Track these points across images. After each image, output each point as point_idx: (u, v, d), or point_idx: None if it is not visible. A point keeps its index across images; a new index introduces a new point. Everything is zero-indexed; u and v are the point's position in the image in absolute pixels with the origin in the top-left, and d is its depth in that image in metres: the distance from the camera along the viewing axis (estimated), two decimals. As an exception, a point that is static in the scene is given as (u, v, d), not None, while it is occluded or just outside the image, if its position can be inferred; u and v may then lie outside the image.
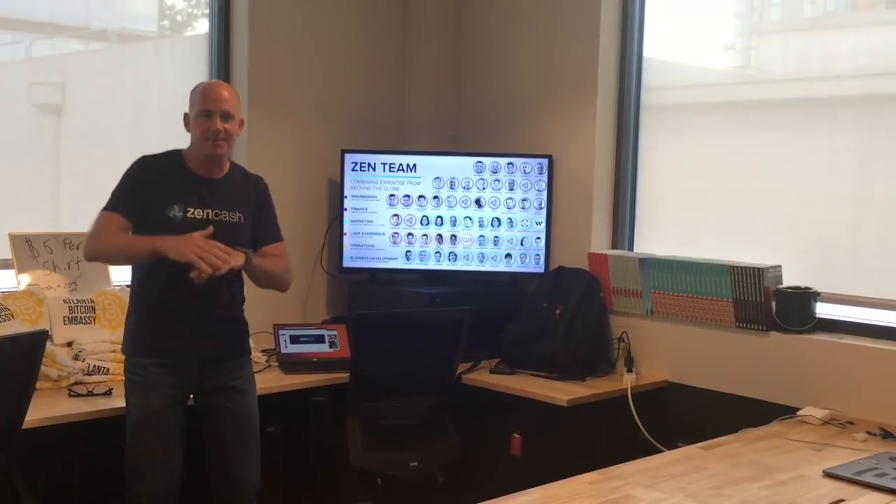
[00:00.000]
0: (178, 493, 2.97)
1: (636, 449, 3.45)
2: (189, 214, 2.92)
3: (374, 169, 4.23)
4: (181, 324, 2.94)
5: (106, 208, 2.93)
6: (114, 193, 2.95)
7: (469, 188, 4.23)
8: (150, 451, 2.92)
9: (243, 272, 3.00)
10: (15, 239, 3.53)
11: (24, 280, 3.52)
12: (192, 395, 3.03)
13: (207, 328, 2.96)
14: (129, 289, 3.13)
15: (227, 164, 3.06)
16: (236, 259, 2.86)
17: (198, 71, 4.07)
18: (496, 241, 4.24)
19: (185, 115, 3.00)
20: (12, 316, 3.33)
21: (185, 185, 2.95)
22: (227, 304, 3.02)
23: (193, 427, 3.04)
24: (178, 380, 2.95)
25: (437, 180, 4.23)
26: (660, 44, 4.09)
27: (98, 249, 2.93)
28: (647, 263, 3.85)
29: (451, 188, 4.23)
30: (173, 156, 3.01)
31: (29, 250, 3.55)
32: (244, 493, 3.04)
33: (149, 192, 2.92)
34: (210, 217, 2.94)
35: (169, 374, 2.94)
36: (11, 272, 3.52)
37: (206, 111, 2.91)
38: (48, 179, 3.76)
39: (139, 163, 2.98)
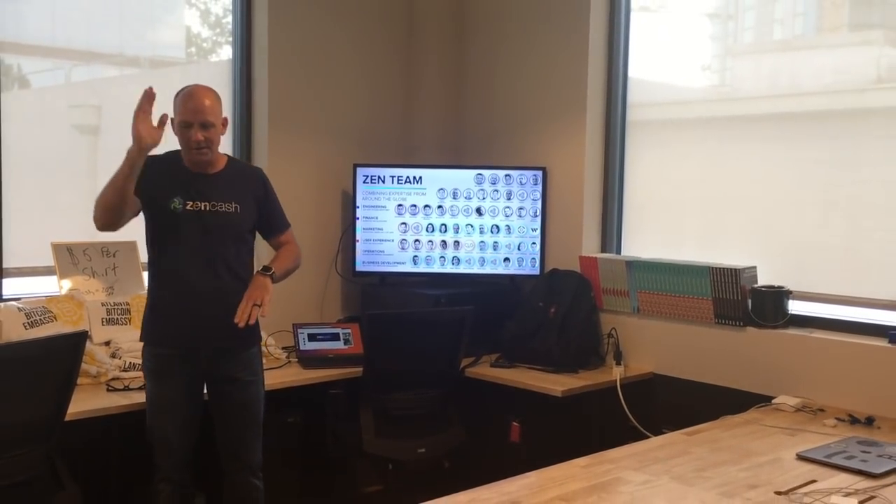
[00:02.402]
0: (193, 465, 3.01)
1: (625, 435, 3.43)
2: (189, 207, 2.93)
3: (383, 181, 4.23)
4: (192, 314, 2.92)
5: None
6: None
7: (470, 198, 4.23)
8: (165, 435, 2.94)
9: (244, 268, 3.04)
10: (57, 248, 3.54)
11: (66, 285, 3.52)
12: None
13: (217, 318, 2.91)
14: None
15: (223, 160, 3.05)
16: (268, 293, 2.91)
17: (222, 93, 4.02)
18: (495, 246, 4.24)
19: (171, 120, 2.93)
20: (55, 318, 3.33)
21: (182, 181, 2.96)
22: (237, 292, 2.97)
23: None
24: (190, 368, 2.94)
25: (441, 191, 4.23)
26: (643, 65, 4.09)
27: (96, 206, 2.85)
28: (634, 265, 3.85)
29: (454, 198, 4.23)
30: (173, 155, 3.01)
31: (70, 258, 3.55)
32: (250, 471, 3.06)
33: (156, 186, 2.93)
34: (206, 208, 2.94)
35: (180, 363, 2.93)
36: (54, 278, 3.53)
37: (186, 122, 2.89)
38: (86, 193, 3.74)
39: (148, 161, 2.93)
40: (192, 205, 2.93)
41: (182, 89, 2.97)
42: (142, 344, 3.42)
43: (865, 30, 3.61)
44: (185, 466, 2.99)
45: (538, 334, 3.86)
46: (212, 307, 2.91)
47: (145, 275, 3.65)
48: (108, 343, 3.44)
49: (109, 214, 2.84)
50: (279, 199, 4.20)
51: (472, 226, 4.23)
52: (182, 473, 2.98)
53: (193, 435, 3.00)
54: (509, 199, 4.21)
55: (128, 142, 3.81)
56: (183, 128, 2.90)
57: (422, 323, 3.61)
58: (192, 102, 2.90)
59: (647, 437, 3.27)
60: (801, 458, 2.62)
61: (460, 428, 3.63)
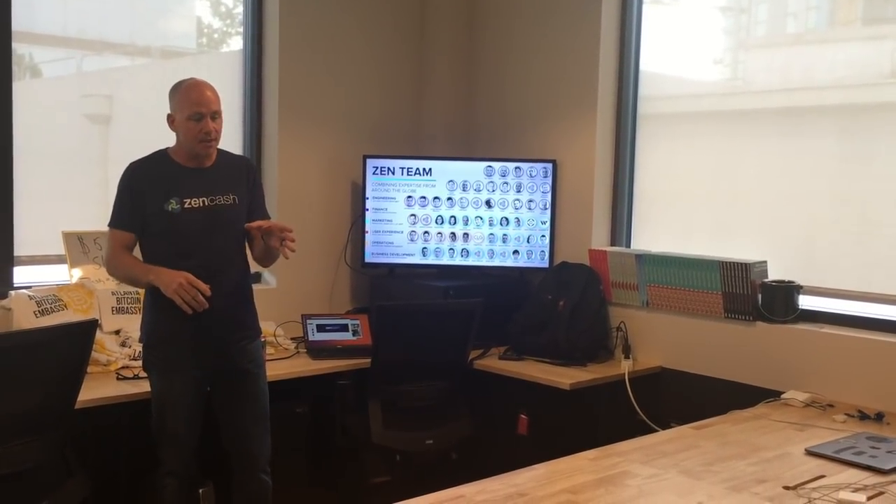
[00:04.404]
0: (198, 456, 3.00)
1: (633, 429, 3.43)
2: (187, 205, 2.89)
3: (393, 173, 4.22)
4: (196, 315, 2.87)
5: (111, 224, 2.93)
6: (114, 208, 2.94)
7: (480, 190, 4.22)
8: (175, 431, 2.92)
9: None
10: (68, 236, 3.55)
11: (76, 274, 3.54)
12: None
13: (225, 310, 2.91)
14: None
15: (214, 153, 3.00)
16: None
17: (232, 84, 4.07)
18: (504, 238, 4.23)
19: (169, 116, 2.92)
20: (66, 306, 3.35)
21: (177, 180, 2.90)
22: (238, 287, 2.98)
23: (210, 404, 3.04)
24: (199, 363, 2.92)
25: (451, 183, 4.23)
26: (655, 58, 4.07)
27: (111, 272, 3.04)
28: (643, 259, 3.84)
29: (464, 190, 4.23)
30: (160, 155, 2.96)
31: (80, 247, 3.56)
32: (259, 466, 3.04)
33: (145, 195, 2.89)
34: (206, 203, 2.91)
35: (190, 359, 2.91)
36: (65, 267, 3.54)
37: (197, 114, 2.85)
38: (97, 182, 3.77)
39: (129, 171, 2.94)
40: (191, 202, 2.89)
41: (180, 84, 2.93)
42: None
43: (879, 24, 3.58)
44: (192, 459, 2.99)
45: (547, 327, 3.86)
46: (220, 299, 2.89)
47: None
48: (118, 332, 3.45)
49: (122, 281, 3.13)
50: (290, 190, 4.22)
51: (481, 218, 4.23)
52: (189, 466, 2.98)
53: (199, 428, 2.98)
54: (519, 191, 4.20)
55: (138, 131, 3.83)
56: (194, 120, 2.86)
57: (430, 315, 3.61)
58: (200, 94, 2.88)
59: (655, 431, 3.26)
60: (810, 453, 2.61)
61: (468, 420, 3.63)
